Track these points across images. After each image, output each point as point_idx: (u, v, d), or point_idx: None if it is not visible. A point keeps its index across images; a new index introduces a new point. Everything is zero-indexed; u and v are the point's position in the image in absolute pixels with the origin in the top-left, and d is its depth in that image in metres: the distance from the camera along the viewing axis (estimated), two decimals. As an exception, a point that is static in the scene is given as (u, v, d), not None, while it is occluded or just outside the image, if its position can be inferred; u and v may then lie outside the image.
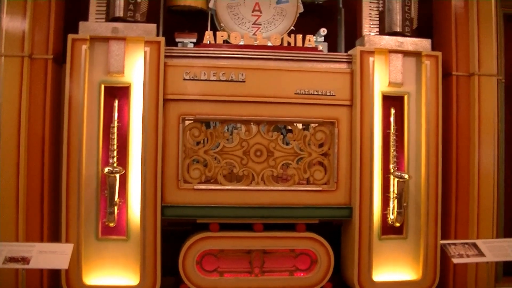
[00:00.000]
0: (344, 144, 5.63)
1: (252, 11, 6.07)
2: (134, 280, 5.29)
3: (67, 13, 5.84)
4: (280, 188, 5.57)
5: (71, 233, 5.18)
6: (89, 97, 5.28)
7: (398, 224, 5.57)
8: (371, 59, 5.61)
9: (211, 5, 5.99)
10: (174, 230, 5.66)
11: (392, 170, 5.56)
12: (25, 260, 4.72)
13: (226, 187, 5.51)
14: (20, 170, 5.26)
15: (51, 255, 4.80)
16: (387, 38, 5.78)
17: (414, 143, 5.70)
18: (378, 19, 5.96)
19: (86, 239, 5.25)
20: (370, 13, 5.96)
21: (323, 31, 6.01)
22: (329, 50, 6.07)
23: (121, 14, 5.47)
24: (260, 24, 6.06)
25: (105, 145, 5.32)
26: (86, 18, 5.51)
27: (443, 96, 5.73)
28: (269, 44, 5.76)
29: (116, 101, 5.34)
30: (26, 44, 5.36)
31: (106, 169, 5.18)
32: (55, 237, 5.40)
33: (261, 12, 6.08)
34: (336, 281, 5.75)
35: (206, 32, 5.73)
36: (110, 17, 5.50)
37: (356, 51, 5.65)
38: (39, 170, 5.34)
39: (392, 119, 5.66)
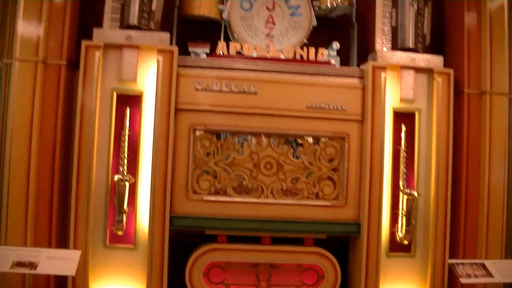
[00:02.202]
0: (354, 160, 5.62)
1: (266, 23, 6.07)
2: (140, 289, 5.30)
3: (81, 19, 5.85)
4: (289, 202, 5.56)
5: (79, 240, 5.16)
6: (101, 104, 5.28)
7: (406, 242, 5.54)
8: (383, 74, 5.61)
9: (224, 15, 5.99)
10: (182, 241, 5.66)
11: (401, 187, 5.54)
12: (32, 265, 4.73)
13: (235, 199, 5.50)
14: (30, 175, 5.24)
15: (58, 261, 4.82)
16: (399, 54, 5.76)
17: (424, 160, 5.68)
18: (391, 34, 5.94)
19: (94, 246, 5.23)
20: (383, 28, 5.96)
21: (336, 45, 6.01)
22: (341, 64, 6.07)
23: (135, 22, 5.46)
24: (273, 36, 6.06)
25: (115, 153, 5.31)
26: (100, 25, 5.51)
27: (454, 113, 5.71)
28: (282, 56, 5.75)
29: (128, 109, 5.32)
30: (40, 49, 5.35)
31: (116, 177, 5.17)
32: (63, 243, 5.37)
33: (274, 24, 6.08)
34: (342, 297, 5.75)
35: (219, 43, 5.72)
36: (124, 25, 5.50)
37: (368, 66, 5.64)
38: (49, 176, 5.33)
39: (402, 135, 5.64)
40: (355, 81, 5.74)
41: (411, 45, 5.82)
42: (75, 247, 5.13)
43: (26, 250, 4.95)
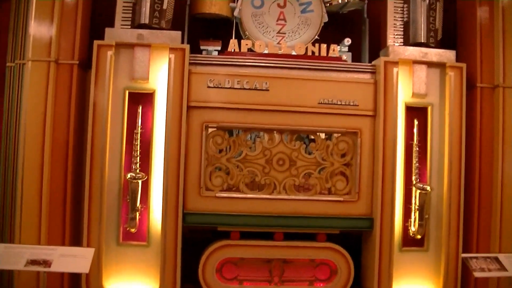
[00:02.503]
0: (366, 155, 5.63)
1: (277, 20, 6.08)
2: (154, 286, 5.32)
3: (93, 19, 5.90)
4: (301, 197, 5.57)
5: (93, 238, 5.22)
6: (113, 103, 5.33)
7: (419, 236, 5.53)
8: (395, 69, 5.61)
9: (236, 13, 6.01)
10: (194, 237, 5.67)
11: (414, 182, 5.54)
12: (46, 263, 4.77)
13: (248, 196, 5.52)
14: (43, 174, 5.30)
15: (72, 259, 4.86)
16: (411, 49, 5.77)
17: (437, 155, 5.67)
18: (402, 29, 5.95)
19: (107, 244, 5.28)
20: (394, 24, 5.96)
21: (347, 41, 6.03)
22: (353, 60, 6.10)
23: (147, 21, 5.50)
24: (285, 33, 6.07)
25: (128, 151, 5.35)
26: (112, 25, 5.56)
27: (467, 107, 5.71)
28: (293, 53, 5.77)
29: (140, 107, 5.36)
30: (52, 50, 5.41)
31: (128, 175, 5.21)
32: (76, 241, 5.43)
33: (285, 21, 6.09)
34: (356, 292, 5.75)
35: (231, 40, 5.75)
36: (136, 24, 5.55)
37: (380, 61, 5.64)
38: (62, 174, 5.38)
39: (415, 130, 5.63)
40: (367, 76, 5.75)
41: (423, 39, 5.82)
42: (88, 245, 5.19)
43: (40, 248, 4.99)
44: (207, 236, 5.69)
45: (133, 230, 5.26)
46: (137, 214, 5.24)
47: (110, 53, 5.30)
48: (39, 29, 5.43)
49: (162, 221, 5.30)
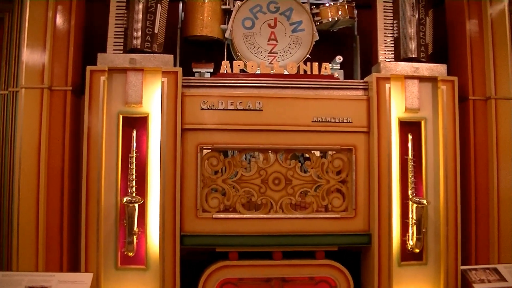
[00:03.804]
0: (362, 171, 5.63)
1: (268, 40, 6.11)
2: (154, 309, 5.30)
3: (85, 45, 5.92)
4: (298, 216, 5.56)
5: (91, 263, 5.19)
6: (107, 128, 5.33)
7: (417, 250, 5.52)
8: (387, 85, 5.62)
9: (227, 35, 6.04)
10: (193, 259, 5.65)
11: (410, 196, 5.54)
12: (45, 289, 4.77)
13: (245, 216, 5.51)
14: (39, 200, 5.28)
15: (71, 285, 4.85)
16: (402, 64, 5.78)
17: (432, 168, 5.68)
18: (393, 45, 5.97)
19: (106, 268, 5.25)
20: (385, 40, 5.98)
21: (339, 58, 6.06)
22: (345, 78, 6.13)
23: (139, 45, 5.52)
24: (276, 53, 6.10)
25: (123, 175, 5.35)
26: (104, 50, 5.58)
27: (460, 120, 5.71)
28: (286, 72, 5.79)
29: (135, 131, 5.37)
30: (45, 76, 5.41)
31: (125, 199, 5.20)
32: (74, 267, 5.41)
33: (277, 41, 6.12)
34: (356, 309, 5.73)
35: (223, 62, 5.76)
36: (128, 49, 5.57)
37: (372, 77, 5.66)
38: (58, 200, 5.37)
39: (409, 144, 5.65)
40: (359, 93, 5.76)
41: (414, 54, 5.85)
42: (86, 270, 5.16)
43: (38, 275, 4.98)
44: (205, 257, 5.67)
45: (131, 254, 5.24)
46: (135, 237, 5.23)
47: (103, 78, 5.31)
48: (31, 56, 5.44)
49: (160, 244, 5.28)
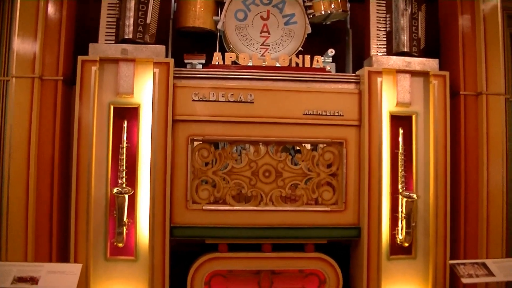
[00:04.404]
0: (352, 164, 5.64)
1: (261, 32, 6.09)
2: (143, 300, 5.31)
3: (77, 35, 5.89)
4: (288, 208, 5.58)
5: (80, 253, 5.18)
6: (98, 118, 5.31)
7: (406, 244, 5.54)
8: (379, 79, 5.62)
9: (219, 26, 6.02)
10: (182, 251, 5.64)
11: (400, 190, 5.55)
12: (34, 280, 4.71)
13: (235, 208, 5.52)
14: (29, 190, 5.26)
15: (60, 275, 4.80)
16: (394, 58, 5.79)
17: (422, 163, 5.69)
18: (385, 39, 5.97)
19: (95, 259, 5.24)
20: (377, 34, 5.98)
21: (331, 51, 6.04)
22: (337, 71, 6.12)
23: (131, 36, 5.51)
24: (269, 45, 6.08)
25: (114, 165, 5.34)
26: (96, 40, 5.56)
27: (451, 115, 5.72)
28: (278, 65, 5.79)
29: (125, 122, 5.35)
30: (36, 66, 5.38)
31: (115, 190, 5.19)
32: (63, 258, 5.40)
33: (269, 33, 6.11)
34: (345, 302, 5.75)
35: (215, 53, 5.76)
36: (120, 39, 5.55)
37: (364, 71, 5.66)
38: (48, 191, 5.35)
39: (400, 139, 5.65)
40: (351, 86, 5.76)
41: (406, 49, 5.85)
42: (76, 261, 5.15)
43: (27, 265, 4.95)
44: (195, 249, 5.66)
45: (120, 244, 5.23)
46: (124, 228, 5.22)
47: (94, 68, 5.29)
48: (22, 46, 5.41)
49: (150, 235, 5.27)
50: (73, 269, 4.90)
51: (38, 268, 4.84)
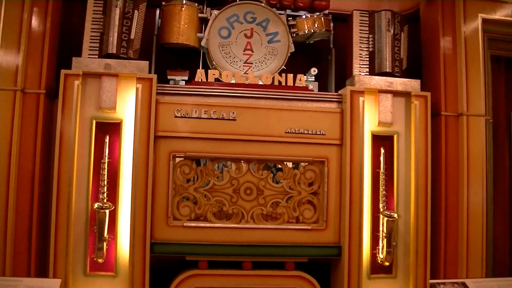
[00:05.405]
0: (333, 183, 5.65)
1: (244, 50, 6.11)
2: (122, 317, 5.25)
3: (60, 48, 5.86)
4: (269, 226, 5.57)
5: (59, 268, 5.12)
6: (80, 132, 5.28)
7: (387, 263, 5.55)
8: (361, 99, 5.65)
9: (203, 43, 6.03)
10: (163, 267, 5.60)
11: (381, 209, 5.57)
12: (12, 295, 4.70)
13: (216, 225, 5.49)
14: (9, 204, 5.20)
15: (39, 290, 4.79)
16: (377, 78, 5.83)
17: (403, 182, 5.72)
18: (368, 59, 6.02)
19: (74, 274, 5.19)
20: (360, 54, 6.03)
21: (314, 70, 6.08)
22: (319, 90, 6.15)
23: (114, 51, 5.50)
24: (252, 63, 6.09)
25: (95, 180, 5.30)
26: (79, 54, 5.54)
27: (432, 135, 5.76)
28: (260, 83, 5.80)
29: (107, 137, 5.33)
30: (19, 79, 5.35)
31: (96, 205, 5.15)
32: (42, 272, 5.33)
33: (252, 51, 6.12)
34: (324, 321, 5.73)
35: (198, 70, 5.75)
36: (103, 54, 5.54)
37: (346, 91, 5.69)
38: (28, 204, 5.30)
39: (381, 158, 5.68)
40: (333, 105, 5.79)
41: (388, 69, 5.91)
42: (55, 276, 5.09)
43: (5, 280, 4.91)
44: (175, 265, 5.63)
45: (100, 260, 5.18)
46: (105, 244, 5.17)
47: (77, 82, 5.26)
48: (5, 58, 5.37)
49: (130, 251, 5.24)
50: (52, 284, 4.87)
51: (17, 283, 4.80)
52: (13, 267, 5.20)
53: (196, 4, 6.16)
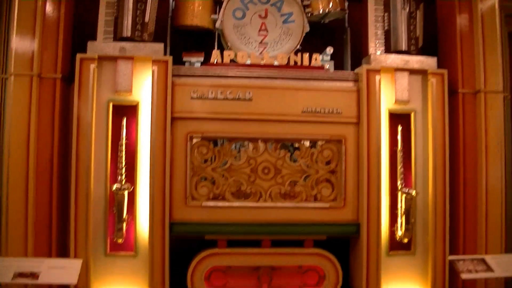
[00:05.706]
0: (351, 162, 5.65)
1: (259, 31, 6.12)
2: (142, 296, 5.31)
3: (75, 33, 5.90)
4: (287, 205, 5.58)
5: (80, 249, 5.18)
6: (97, 116, 5.32)
7: (406, 240, 5.55)
8: (377, 77, 5.64)
9: (217, 25, 6.04)
10: (182, 247, 5.64)
11: (399, 187, 5.56)
12: (34, 275, 4.73)
13: (234, 204, 5.52)
14: (29, 187, 5.26)
15: (60, 271, 4.83)
16: (393, 56, 5.81)
17: (421, 160, 5.70)
18: (384, 38, 5.99)
19: (95, 255, 5.24)
20: (376, 32, 6.00)
21: (329, 50, 6.05)
22: (335, 69, 6.14)
23: (129, 34, 5.52)
24: (267, 44, 6.10)
25: (113, 163, 5.35)
26: (94, 38, 5.56)
27: (449, 113, 5.74)
28: (276, 63, 5.80)
29: (124, 119, 5.36)
30: (35, 64, 5.39)
31: (114, 187, 5.20)
32: (63, 253, 5.41)
33: (267, 32, 6.13)
34: (344, 298, 5.75)
35: (214, 51, 5.77)
36: (118, 37, 5.56)
37: (362, 69, 5.68)
38: (48, 187, 5.36)
39: (399, 136, 5.66)
40: (349, 84, 5.78)
41: (404, 47, 5.87)
42: (76, 256, 5.16)
43: (27, 260, 4.98)
44: (194, 245, 5.68)
45: (120, 240, 5.24)
46: (124, 225, 5.22)
47: (93, 66, 5.30)
48: (21, 43, 5.42)
49: (149, 231, 5.28)
50: (73, 264, 4.93)
51: (39, 264, 4.86)
52: (35, 248, 5.27)
53: (210, -15, 6.17)
